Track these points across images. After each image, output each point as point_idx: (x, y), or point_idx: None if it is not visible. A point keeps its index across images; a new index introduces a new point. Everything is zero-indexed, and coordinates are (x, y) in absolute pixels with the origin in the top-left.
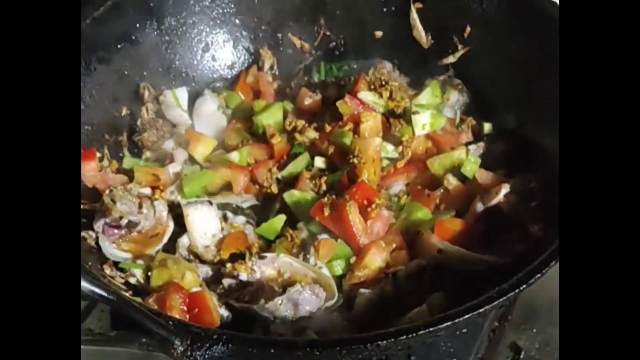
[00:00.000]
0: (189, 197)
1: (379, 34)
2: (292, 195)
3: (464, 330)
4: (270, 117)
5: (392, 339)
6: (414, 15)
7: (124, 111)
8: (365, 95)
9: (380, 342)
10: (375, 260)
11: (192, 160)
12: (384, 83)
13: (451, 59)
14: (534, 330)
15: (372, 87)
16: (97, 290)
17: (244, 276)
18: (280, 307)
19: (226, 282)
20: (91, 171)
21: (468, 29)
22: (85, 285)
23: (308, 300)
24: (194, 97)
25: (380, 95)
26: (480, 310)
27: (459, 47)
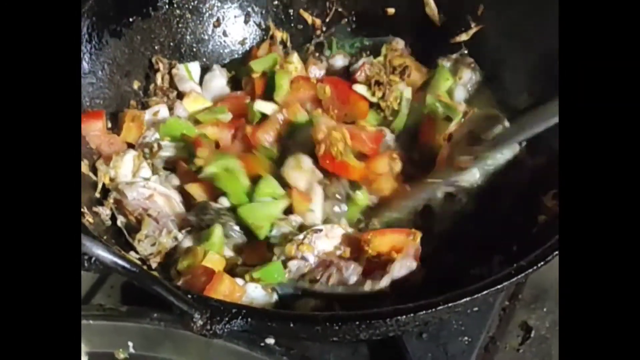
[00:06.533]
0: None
1: (391, 11)
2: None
3: (475, 309)
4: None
5: (412, 314)
6: None
7: (135, 85)
8: (360, 88)
9: (399, 317)
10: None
11: None
12: (380, 82)
13: (464, 37)
14: (544, 310)
15: (369, 83)
16: (120, 262)
17: (310, 257)
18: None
19: (293, 265)
20: (96, 131)
21: (481, 7)
22: (108, 256)
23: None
24: (204, 72)
25: (373, 94)
26: (499, 287)
27: (472, 25)
